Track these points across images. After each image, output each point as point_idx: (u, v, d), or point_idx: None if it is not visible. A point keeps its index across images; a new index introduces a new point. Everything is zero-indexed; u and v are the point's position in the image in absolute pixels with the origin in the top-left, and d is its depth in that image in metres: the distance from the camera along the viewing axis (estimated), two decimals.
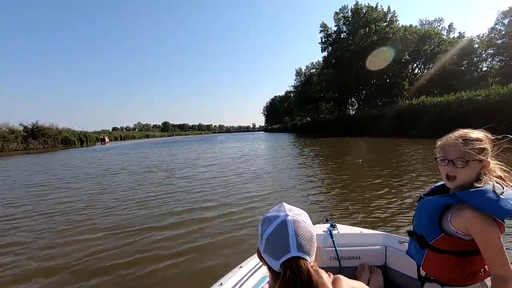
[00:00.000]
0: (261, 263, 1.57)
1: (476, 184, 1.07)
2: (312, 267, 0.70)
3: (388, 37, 39.11)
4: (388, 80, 42.09)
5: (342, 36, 44.20)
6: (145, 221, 4.74)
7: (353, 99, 51.57)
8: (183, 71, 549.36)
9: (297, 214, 0.75)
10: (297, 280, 0.66)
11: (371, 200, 5.27)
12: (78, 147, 45.76)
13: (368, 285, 1.48)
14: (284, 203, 0.80)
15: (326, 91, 53.82)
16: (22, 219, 5.23)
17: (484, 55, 38.06)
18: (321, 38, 46.28)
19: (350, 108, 54.35)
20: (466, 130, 1.13)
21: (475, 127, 1.17)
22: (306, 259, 0.70)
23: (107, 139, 62.23)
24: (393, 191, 5.83)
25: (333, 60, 45.58)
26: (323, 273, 0.79)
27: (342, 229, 2.03)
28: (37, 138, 43.34)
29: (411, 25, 40.77)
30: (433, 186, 1.33)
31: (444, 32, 43.64)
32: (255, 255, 1.62)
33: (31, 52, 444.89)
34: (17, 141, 40.33)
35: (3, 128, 39.84)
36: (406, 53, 39.83)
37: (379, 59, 37.60)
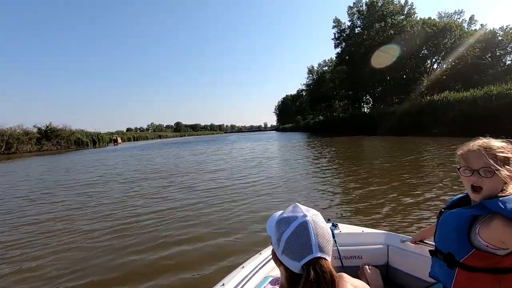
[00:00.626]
0: (263, 263, 1.59)
1: (500, 194, 1.00)
2: (332, 266, 0.71)
3: (405, 31, 37.05)
4: (404, 76, 39.92)
5: (356, 31, 42.04)
6: (112, 267, 3.42)
7: (367, 97, 49.75)
8: (183, 71, 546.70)
9: (314, 215, 0.75)
10: (321, 280, 0.66)
11: (391, 205, 4.87)
12: (91, 148, 45.76)
13: (369, 284, 1.42)
14: (298, 204, 0.79)
15: (340, 89, 52.07)
16: None
17: (508, 48, 35.83)
18: (334, 34, 44.34)
19: (364, 105, 52.61)
20: (487, 139, 1.07)
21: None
22: (327, 259, 0.70)
23: (119, 140, 62.35)
24: (416, 196, 5.29)
25: (347, 57, 43.68)
26: None
27: (344, 228, 2.02)
28: (51, 140, 43.64)
29: (429, 18, 38.57)
30: (451, 199, 1.24)
31: (465, 25, 41.26)
32: (257, 255, 1.70)
33: (32, 52, 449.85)
34: (31, 143, 40.64)
35: (17, 130, 40.21)
36: (424, 47, 37.69)
37: (388, 55, 35.78)
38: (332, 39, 44.84)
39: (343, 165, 10.11)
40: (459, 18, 42.82)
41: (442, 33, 35.41)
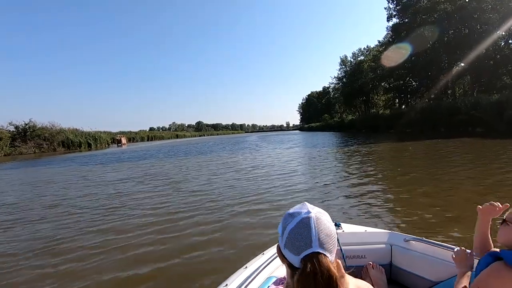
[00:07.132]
0: (266, 263, 1.54)
1: None
2: (333, 265, 0.69)
3: None
4: (497, 55, 26.73)
5: None
6: None
7: (422, 88, 36.72)
8: (207, 70, 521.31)
9: (319, 212, 0.74)
10: (318, 275, 0.64)
11: None
12: (85, 151, 36.36)
13: (373, 284, 1.40)
14: (306, 203, 0.78)
15: (385, 78, 39.85)
16: None
17: None
18: (388, 0, 32.06)
19: (413, 99, 39.73)
20: None
21: None
22: (327, 256, 0.68)
23: (123, 140, 52.55)
24: None
25: (404, 32, 31.27)
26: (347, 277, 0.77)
27: (347, 228, 1.94)
28: (28, 141, 34.08)
29: None
30: None
31: None
32: (260, 256, 1.64)
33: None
34: (2, 145, 31.38)
35: None
36: None
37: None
38: (385, 8, 32.37)
39: None
40: None
41: None
